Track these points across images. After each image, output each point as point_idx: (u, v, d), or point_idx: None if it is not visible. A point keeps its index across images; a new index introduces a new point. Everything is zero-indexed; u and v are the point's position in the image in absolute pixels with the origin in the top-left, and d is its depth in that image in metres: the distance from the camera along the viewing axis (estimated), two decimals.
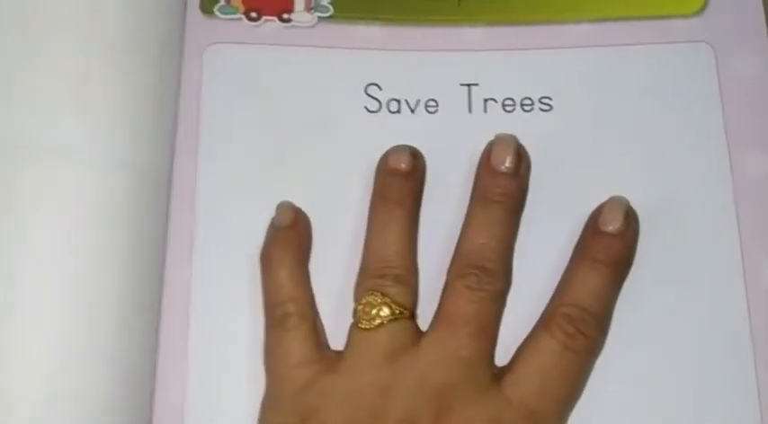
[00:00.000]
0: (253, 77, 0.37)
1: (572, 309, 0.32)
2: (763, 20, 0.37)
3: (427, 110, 0.37)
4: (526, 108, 0.37)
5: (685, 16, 0.37)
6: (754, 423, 0.33)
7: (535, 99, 0.37)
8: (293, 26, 0.38)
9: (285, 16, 0.38)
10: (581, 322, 0.32)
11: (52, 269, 0.32)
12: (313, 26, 0.38)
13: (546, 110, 0.37)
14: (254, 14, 0.38)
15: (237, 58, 0.38)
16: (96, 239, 0.33)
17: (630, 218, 0.34)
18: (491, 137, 0.35)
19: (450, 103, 0.37)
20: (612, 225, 0.34)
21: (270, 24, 0.38)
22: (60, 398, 0.31)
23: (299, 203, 0.36)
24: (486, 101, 0.37)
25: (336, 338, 0.34)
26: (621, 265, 0.34)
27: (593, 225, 0.34)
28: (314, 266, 0.35)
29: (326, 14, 0.38)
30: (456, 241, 0.34)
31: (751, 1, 0.38)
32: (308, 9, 0.38)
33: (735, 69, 0.37)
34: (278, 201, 0.36)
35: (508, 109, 0.37)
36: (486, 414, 0.31)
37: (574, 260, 0.34)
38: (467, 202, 0.35)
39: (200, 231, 0.36)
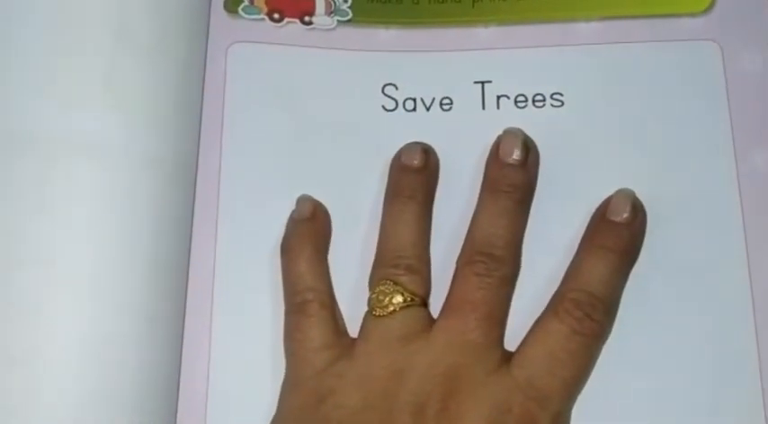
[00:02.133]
0: (274, 76, 0.39)
1: (580, 294, 0.33)
2: None
3: (442, 108, 0.38)
4: (538, 104, 0.38)
5: (693, 15, 0.38)
6: (758, 406, 0.34)
7: (547, 95, 0.38)
8: (314, 28, 0.39)
9: (306, 19, 0.39)
10: (589, 307, 0.33)
11: (83, 257, 0.34)
12: (333, 29, 0.39)
13: (557, 106, 0.38)
14: (276, 15, 0.39)
15: (260, 57, 0.39)
16: (125, 229, 0.34)
17: (638, 209, 0.35)
18: None
19: (464, 101, 0.38)
20: (620, 214, 0.35)
21: (292, 26, 0.39)
22: (89, 385, 0.33)
23: (317, 197, 0.37)
24: (499, 97, 0.38)
25: (352, 325, 0.35)
26: (629, 253, 0.35)
27: (601, 215, 0.35)
28: (331, 257, 0.36)
29: (346, 18, 0.39)
30: None
31: (757, 0, 0.38)
32: (329, 13, 0.39)
33: (741, 67, 0.38)
34: (297, 195, 0.37)
35: (520, 105, 0.38)
36: (494, 395, 0.32)
37: (582, 247, 0.35)
38: None
39: (223, 223, 0.37)
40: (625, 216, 0.34)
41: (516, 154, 0.35)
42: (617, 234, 0.34)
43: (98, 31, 0.36)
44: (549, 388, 0.32)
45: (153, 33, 0.36)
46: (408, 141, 0.37)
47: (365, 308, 0.35)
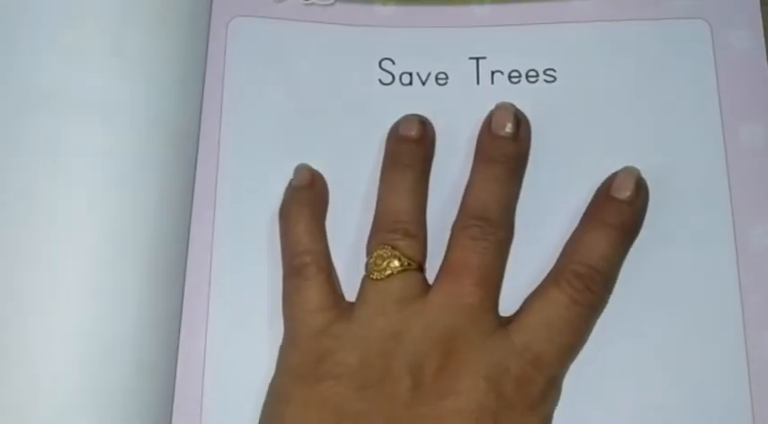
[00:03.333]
0: (274, 50, 0.40)
1: (581, 267, 0.34)
2: None
3: (438, 83, 0.39)
4: (531, 79, 0.39)
5: None
6: (742, 373, 0.35)
7: (540, 71, 0.39)
8: (313, 3, 0.40)
9: None
10: (589, 279, 0.34)
11: (90, 212, 0.34)
12: (331, 4, 0.40)
13: (550, 82, 0.39)
14: None
15: (260, 31, 0.40)
16: (131, 187, 0.35)
17: (641, 187, 0.36)
18: None
19: (459, 76, 0.39)
20: (624, 192, 0.35)
21: (292, 1, 0.40)
22: (92, 347, 0.33)
23: (315, 167, 0.38)
24: (493, 73, 0.39)
25: (350, 291, 0.36)
26: (630, 230, 0.36)
27: (605, 192, 0.36)
28: (329, 225, 0.37)
29: None
30: None
31: None
32: None
33: (729, 44, 0.38)
34: (295, 165, 0.38)
35: (514, 80, 0.39)
36: (491, 356, 0.33)
37: (585, 222, 0.36)
38: None
39: (222, 191, 0.38)
40: (628, 194, 0.35)
41: (508, 127, 0.36)
42: (620, 210, 0.35)
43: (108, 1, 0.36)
44: (545, 353, 0.33)
45: (159, 3, 0.37)
46: (405, 114, 0.38)
47: (362, 275, 0.35)
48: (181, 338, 0.36)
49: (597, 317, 0.35)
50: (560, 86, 0.39)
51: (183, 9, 0.38)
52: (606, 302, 0.35)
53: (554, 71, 0.39)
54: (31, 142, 0.35)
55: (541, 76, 0.39)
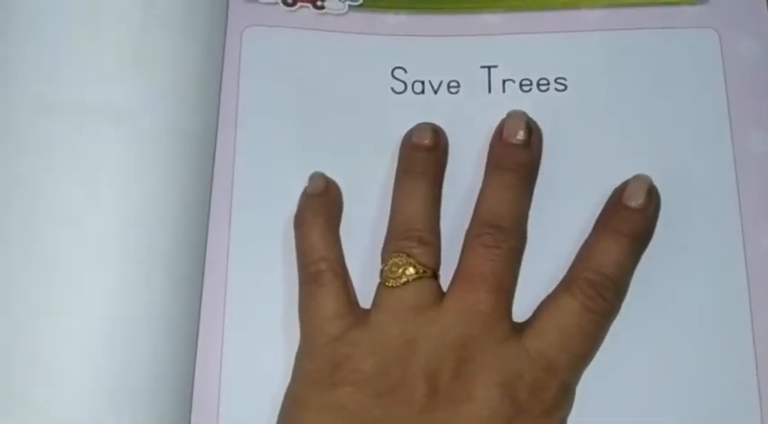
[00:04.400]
0: (288, 59, 0.40)
1: (594, 274, 0.34)
2: (765, 6, 0.39)
3: (449, 91, 0.40)
4: (542, 88, 0.39)
5: (693, 3, 0.40)
6: (751, 379, 0.35)
7: (551, 79, 0.39)
8: (326, 13, 0.41)
9: (319, 3, 0.40)
10: (601, 287, 0.34)
11: (109, 219, 0.35)
12: (344, 13, 0.41)
13: (561, 90, 0.39)
14: (290, 0, 0.40)
15: (274, 40, 0.40)
16: (149, 195, 0.35)
17: (652, 195, 0.36)
18: None
19: (470, 84, 0.39)
20: (636, 200, 0.36)
21: (305, 10, 0.40)
22: (109, 351, 0.34)
23: (329, 175, 0.38)
24: (504, 81, 0.39)
25: (364, 298, 0.36)
26: (642, 238, 0.36)
27: (617, 200, 0.36)
28: (344, 232, 0.38)
29: (357, 3, 0.41)
30: None
31: None
32: None
33: (738, 54, 0.39)
34: (309, 172, 0.38)
35: (525, 89, 0.39)
36: (505, 363, 0.33)
37: (597, 230, 0.36)
38: None
39: (238, 199, 0.38)
40: (640, 202, 0.36)
41: (520, 135, 0.37)
42: (631, 218, 0.36)
43: (128, 8, 0.37)
44: (559, 361, 0.33)
45: (177, 12, 0.38)
46: (417, 122, 0.38)
47: (376, 282, 0.36)
48: (198, 342, 0.37)
49: (610, 324, 0.35)
50: (571, 95, 0.39)
51: (200, 18, 0.39)
52: (618, 309, 0.35)
53: (565, 79, 0.39)
54: (49, 147, 0.35)
55: (552, 85, 0.39)
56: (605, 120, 0.39)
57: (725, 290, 0.36)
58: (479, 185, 0.37)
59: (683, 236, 0.37)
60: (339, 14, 0.41)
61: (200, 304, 0.37)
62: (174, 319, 0.36)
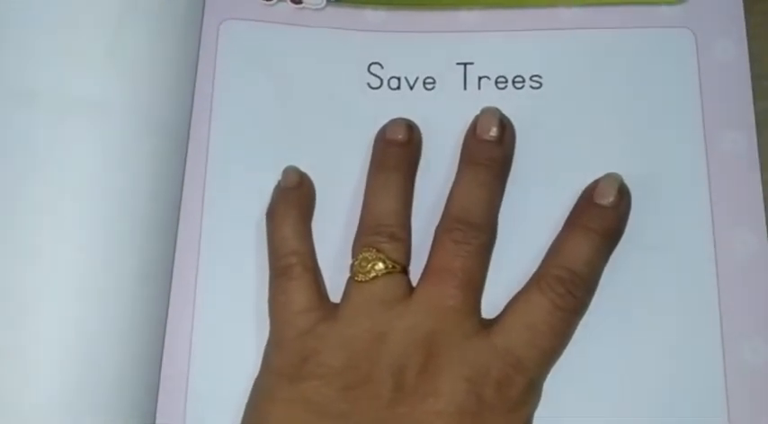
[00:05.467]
0: (264, 52, 0.40)
1: (564, 271, 0.34)
2: (742, 8, 0.40)
3: (425, 87, 0.40)
4: (518, 85, 0.39)
5: (669, 3, 0.40)
6: (719, 380, 0.35)
7: (526, 77, 0.39)
8: (304, 8, 0.41)
9: None
10: (571, 284, 0.34)
11: (81, 211, 0.35)
12: (322, 8, 0.41)
13: (536, 88, 0.39)
14: None
15: (251, 34, 0.40)
16: (121, 186, 0.36)
17: (624, 193, 0.36)
18: None
19: (446, 81, 0.40)
20: (606, 198, 0.36)
21: (282, 4, 0.41)
22: (77, 345, 0.34)
23: (303, 169, 0.38)
24: (480, 78, 0.39)
25: (335, 293, 0.36)
26: (612, 235, 0.36)
27: (588, 197, 0.36)
28: (316, 227, 0.38)
29: None
30: None
31: None
32: None
33: (713, 54, 0.39)
34: (283, 166, 0.38)
35: (501, 86, 0.39)
36: (473, 358, 0.33)
37: (568, 226, 0.36)
38: None
39: (210, 191, 0.38)
40: (611, 199, 0.36)
41: (493, 132, 0.37)
42: (602, 216, 0.36)
43: (104, 1, 0.37)
44: (527, 357, 0.33)
45: (155, 4, 0.38)
46: (392, 118, 0.38)
47: (347, 277, 0.36)
48: (166, 335, 0.37)
49: (579, 321, 0.35)
50: (546, 92, 0.39)
51: (177, 11, 0.39)
52: (588, 305, 0.35)
53: (540, 77, 0.39)
54: (22, 140, 0.35)
55: (528, 82, 0.39)
56: (580, 118, 0.39)
57: (695, 289, 0.36)
58: (452, 181, 0.37)
59: (654, 235, 0.37)
60: (317, 9, 0.41)
61: (170, 298, 0.37)
62: (143, 313, 0.36)
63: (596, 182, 0.37)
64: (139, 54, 0.37)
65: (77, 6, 0.36)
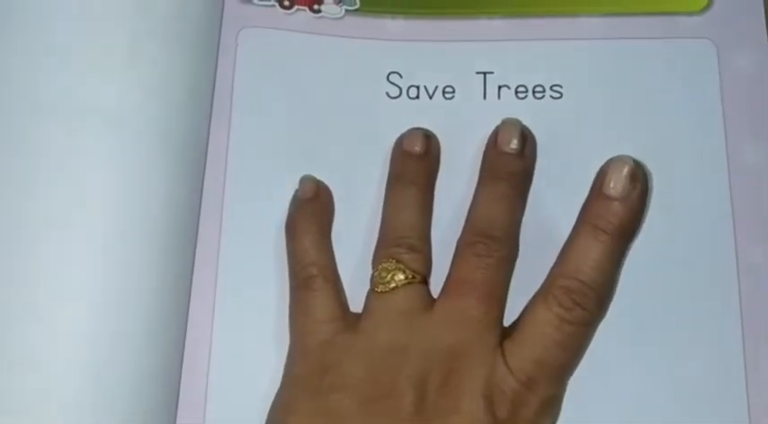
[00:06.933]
0: (283, 61, 0.40)
1: (571, 282, 0.33)
2: (764, 19, 0.39)
3: (444, 97, 0.39)
4: (538, 95, 0.39)
5: (690, 14, 0.39)
6: (740, 390, 0.35)
7: (546, 87, 0.39)
8: (322, 17, 0.40)
9: (315, 7, 0.40)
10: (579, 295, 0.33)
11: (98, 223, 0.35)
12: (341, 17, 0.40)
13: (556, 98, 0.39)
14: (286, 3, 0.40)
15: (269, 42, 0.40)
16: (140, 194, 0.35)
17: (636, 180, 0.33)
18: None
19: (466, 90, 0.39)
20: (615, 188, 0.33)
21: (301, 13, 0.40)
22: (96, 354, 0.34)
23: (322, 179, 0.38)
24: (500, 88, 0.39)
25: (355, 304, 0.36)
26: (625, 232, 0.34)
27: (597, 190, 0.34)
28: (335, 237, 0.37)
29: (353, 7, 0.40)
30: None
31: (752, 1, 0.40)
32: (337, 2, 0.40)
33: (735, 65, 0.39)
34: (302, 174, 0.38)
35: (521, 96, 0.39)
36: (490, 375, 0.33)
37: (577, 226, 0.34)
38: None
39: (229, 202, 0.38)
40: (620, 189, 0.33)
41: (514, 144, 0.36)
42: (611, 211, 0.33)
43: (121, 10, 0.36)
44: (537, 375, 0.33)
45: (173, 12, 0.37)
46: (411, 127, 0.38)
47: (367, 288, 0.36)
48: (186, 347, 0.36)
49: (593, 331, 0.34)
50: (566, 102, 0.39)
51: (195, 20, 0.38)
52: (602, 314, 0.34)
53: (560, 87, 0.39)
54: (41, 149, 0.35)
55: (548, 92, 0.39)
56: (600, 130, 0.38)
57: (716, 304, 0.36)
58: (472, 192, 0.37)
59: (675, 249, 0.37)
60: (336, 18, 0.40)
61: (189, 307, 0.37)
62: (163, 322, 0.35)
63: (605, 168, 0.34)
64: (156, 64, 0.37)
65: (93, 16, 0.36)
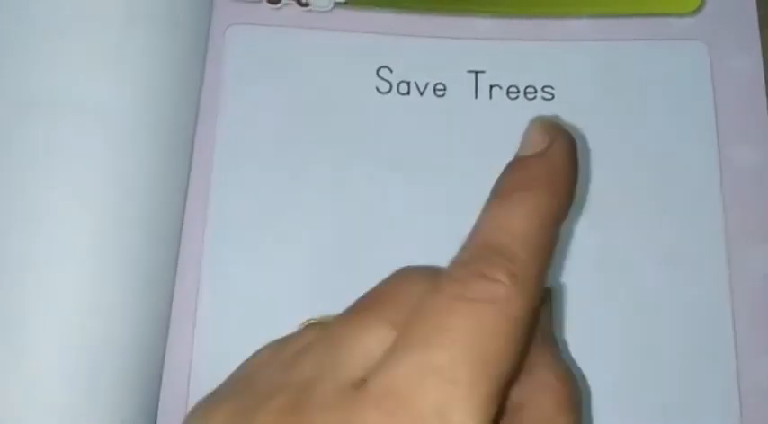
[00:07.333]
0: (271, 57, 0.39)
1: (488, 249, 0.26)
2: (756, 21, 0.39)
3: (435, 94, 0.39)
4: (529, 96, 0.39)
5: (682, 15, 0.39)
6: (734, 400, 0.35)
7: (538, 87, 0.39)
8: (311, 10, 0.40)
9: (304, 1, 0.40)
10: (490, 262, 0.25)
11: (85, 218, 0.34)
12: (330, 11, 0.40)
13: (548, 99, 0.39)
14: None
15: (257, 39, 0.39)
16: (127, 188, 0.35)
17: (559, 135, 0.28)
18: (495, 122, 0.38)
19: (457, 88, 0.39)
20: (527, 150, 0.28)
21: (289, 8, 0.40)
22: (79, 349, 0.33)
23: (309, 176, 0.38)
24: (491, 87, 0.39)
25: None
26: (546, 190, 0.27)
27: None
28: (324, 232, 0.37)
29: (342, 0, 0.40)
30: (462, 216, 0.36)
31: (745, 2, 0.39)
32: None
33: (727, 67, 0.39)
34: (291, 171, 0.37)
35: (512, 96, 0.39)
36: None
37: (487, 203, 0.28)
38: (473, 182, 0.36)
39: (216, 196, 0.37)
40: (538, 147, 0.28)
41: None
42: (528, 169, 0.28)
43: (110, 4, 0.36)
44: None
45: (161, 9, 0.37)
46: (401, 123, 0.38)
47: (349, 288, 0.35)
48: (168, 340, 0.36)
49: (522, 316, 0.24)
50: (558, 104, 0.39)
51: (183, 16, 0.38)
52: (535, 297, 0.25)
53: (552, 88, 0.39)
54: (26, 145, 0.34)
55: (540, 93, 0.39)
56: (592, 131, 0.38)
57: (708, 307, 0.36)
58: (464, 191, 0.36)
59: (666, 251, 0.37)
60: (324, 12, 0.40)
61: (172, 303, 0.36)
62: (145, 320, 0.35)
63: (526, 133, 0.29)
64: (145, 60, 0.36)
65: (81, 12, 0.36)
